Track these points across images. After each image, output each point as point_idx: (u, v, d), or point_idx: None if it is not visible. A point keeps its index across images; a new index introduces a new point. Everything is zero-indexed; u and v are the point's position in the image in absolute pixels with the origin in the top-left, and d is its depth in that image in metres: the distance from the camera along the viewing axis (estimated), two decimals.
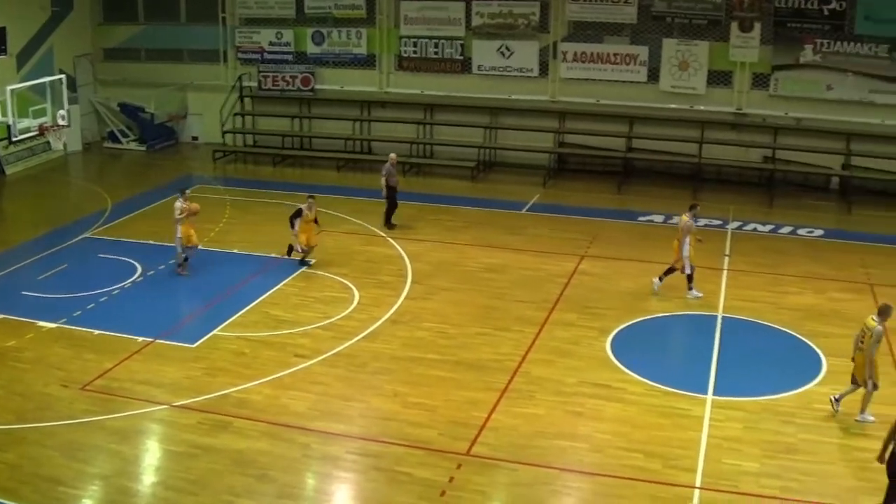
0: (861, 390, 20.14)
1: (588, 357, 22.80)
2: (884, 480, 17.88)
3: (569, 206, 35.01)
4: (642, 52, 38.67)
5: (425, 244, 30.20)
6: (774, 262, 29.25)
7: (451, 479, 17.48)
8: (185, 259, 27.57)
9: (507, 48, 39.76)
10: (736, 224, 33.16)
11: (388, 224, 31.43)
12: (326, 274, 27.54)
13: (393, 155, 32.06)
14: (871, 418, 20.18)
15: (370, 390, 20.90)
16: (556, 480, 17.71)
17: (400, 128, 41.26)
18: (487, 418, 19.73)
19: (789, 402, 20.88)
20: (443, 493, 17.05)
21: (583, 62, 39.21)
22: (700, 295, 26.52)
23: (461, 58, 40.52)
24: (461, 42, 40.30)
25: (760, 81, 38.14)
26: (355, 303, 25.62)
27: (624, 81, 39.06)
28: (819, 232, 32.86)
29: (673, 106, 38.85)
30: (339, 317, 24.67)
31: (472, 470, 17.88)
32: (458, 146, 40.24)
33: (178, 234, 27.22)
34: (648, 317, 25.26)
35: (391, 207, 31.77)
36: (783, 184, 38.26)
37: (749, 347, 23.84)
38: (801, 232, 32.74)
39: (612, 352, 23.04)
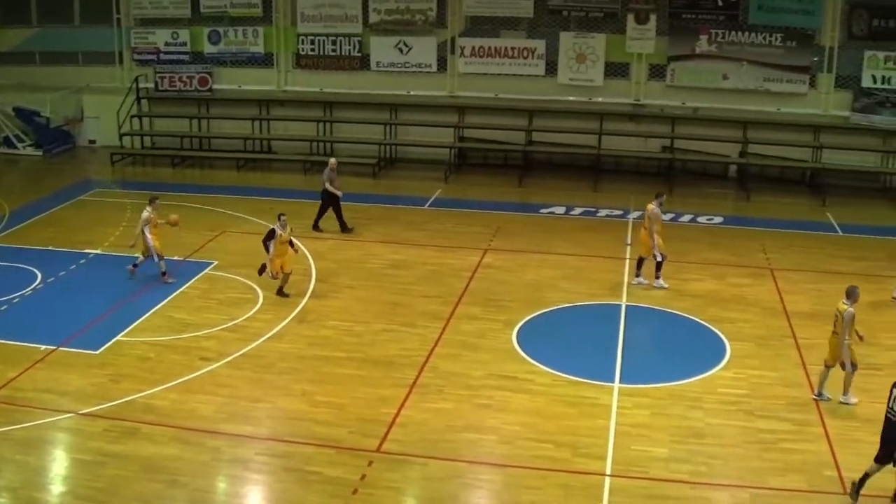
0: (834, 371, 20.68)
1: (494, 350, 22.87)
2: (787, 460, 18.38)
3: (471, 201, 35.13)
4: (540, 45, 38.90)
5: (328, 242, 30.06)
6: (675, 249, 29.53)
7: (363, 477, 17.43)
8: (164, 273, 27.10)
9: (405, 44, 39.74)
10: (637, 213, 33.45)
11: (316, 226, 31.02)
12: (229, 275, 27.26)
13: (333, 160, 31.55)
14: (854, 400, 20.64)
15: (278, 391, 20.75)
16: (468, 473, 17.75)
17: (299, 126, 41.05)
18: (396, 414, 19.70)
19: (695, 387, 21.17)
20: (355, 492, 17.00)
21: (481, 57, 39.35)
22: (666, 286, 26.78)
23: (359, 55, 40.39)
24: (359, 39, 40.18)
25: (657, 72, 38.63)
26: (260, 303, 25.42)
27: (522, 75, 39.25)
28: (718, 219, 33.37)
29: (571, 98, 39.17)
30: (243, 318, 24.45)
31: (384, 467, 17.85)
32: (358, 143, 40.11)
33: (150, 243, 26.56)
34: (553, 308, 25.39)
35: (332, 211, 31.09)
36: (682, 173, 38.79)
37: (653, 335, 24.17)
38: (701, 219, 33.22)
39: (518, 344, 23.14)
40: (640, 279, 27.09)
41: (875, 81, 37.56)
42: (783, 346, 23.47)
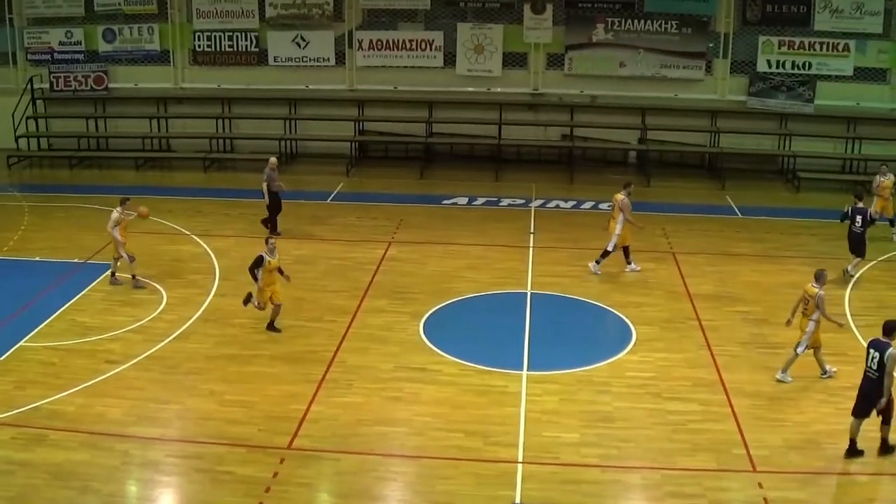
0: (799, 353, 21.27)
1: (402, 342, 22.87)
2: (696, 440, 18.66)
3: (373, 194, 35.07)
4: (437, 37, 38.95)
5: (231, 240, 29.79)
6: (578, 236, 29.87)
7: (276, 475, 17.33)
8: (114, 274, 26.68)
9: (303, 38, 39.51)
10: (539, 202, 33.75)
11: (274, 231, 30.24)
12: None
13: (273, 159, 30.84)
14: (790, 378, 21.24)
15: (186, 391, 20.51)
16: (380, 466, 17.74)
17: (198, 123, 40.58)
18: (307, 410, 19.60)
19: (602, 372, 21.40)
20: (268, 490, 16.89)
21: (379, 50, 39.28)
22: (599, 272, 27.18)
23: (256, 50, 40.05)
24: (256, 34, 39.83)
25: (555, 61, 38.90)
26: (164, 304, 25.11)
27: (421, 67, 39.26)
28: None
29: (470, 89, 39.29)
30: (148, 319, 24.13)
31: (296, 463, 17.76)
32: (258, 139, 39.79)
33: (121, 244, 26.01)
34: (458, 298, 25.45)
35: (272, 213, 30.40)
36: (582, 160, 39.14)
37: (560, 321, 24.32)
38: (603, 206, 33.43)
39: (426, 335, 23.15)
40: (633, 266, 27.47)
41: (770, 66, 38.29)
42: (687, 329, 23.81)
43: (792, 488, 17.38)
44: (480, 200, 34.15)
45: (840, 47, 38.12)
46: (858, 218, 27.06)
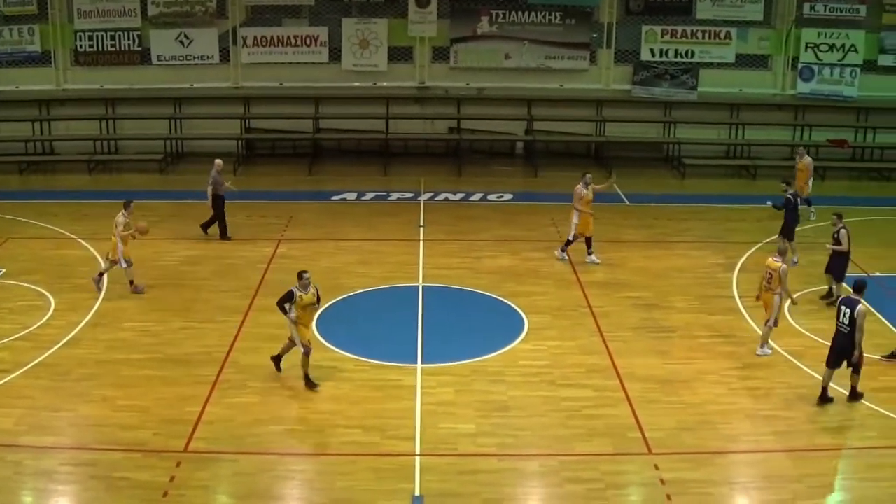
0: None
1: None
2: (591, 426, 18.89)
3: (262, 191, 34.72)
4: (322, 32, 38.74)
5: None
6: (468, 228, 29.98)
7: (172, 479, 17.10)
8: (102, 275, 25.99)
9: (186, 36, 38.97)
10: (428, 195, 33.81)
11: (226, 236, 29.73)
12: (18, 283, 26.29)
13: (218, 161, 30.27)
14: (769, 351, 22.36)
15: (78, 398, 20.12)
16: (279, 466, 17.62)
17: (82, 125, 39.80)
18: (201, 412, 19.38)
19: (496, 361, 21.53)
20: (165, 494, 16.66)
21: (264, 46, 38.91)
22: (566, 258, 27.60)
23: (139, 49, 39.38)
24: (138, 33, 39.16)
25: (440, 55, 38.96)
26: (52, 310, 24.58)
27: (306, 63, 38.98)
28: (508, 196, 33.91)
29: (357, 84, 39.17)
30: (36, 326, 23.61)
31: (193, 466, 17.55)
32: (143, 140, 39.20)
33: (121, 249, 25.37)
34: (350, 293, 25.37)
35: (216, 218, 29.75)
36: (470, 152, 39.28)
37: (452, 313, 24.38)
38: (492, 197, 33.70)
39: (319, 332, 22.96)
40: (592, 258, 27.57)
41: (653, 55, 38.84)
42: (579, 316, 24.06)
43: (687, 469, 17.70)
44: (369, 195, 34.09)
45: (722, 35, 38.83)
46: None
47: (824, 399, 20.00)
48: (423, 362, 21.44)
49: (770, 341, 22.26)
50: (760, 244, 28.86)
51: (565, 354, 22.07)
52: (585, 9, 38.40)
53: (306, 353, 20.18)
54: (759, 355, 22.17)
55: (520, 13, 38.02)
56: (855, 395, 20.15)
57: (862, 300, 19.72)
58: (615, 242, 29.23)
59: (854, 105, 39.79)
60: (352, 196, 33.97)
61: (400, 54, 39.06)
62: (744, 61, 39.58)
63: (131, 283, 25.70)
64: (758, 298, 22.62)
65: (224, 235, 29.47)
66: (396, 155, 38.98)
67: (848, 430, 19.45)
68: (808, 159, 31.49)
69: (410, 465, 17.57)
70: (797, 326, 23.97)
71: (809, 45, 39.30)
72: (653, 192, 34.97)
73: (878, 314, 24.55)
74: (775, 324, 22.06)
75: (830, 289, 25.35)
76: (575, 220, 27.19)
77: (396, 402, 19.74)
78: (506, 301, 24.95)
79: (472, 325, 23.71)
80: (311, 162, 38.12)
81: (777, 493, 17.22)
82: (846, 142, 39.46)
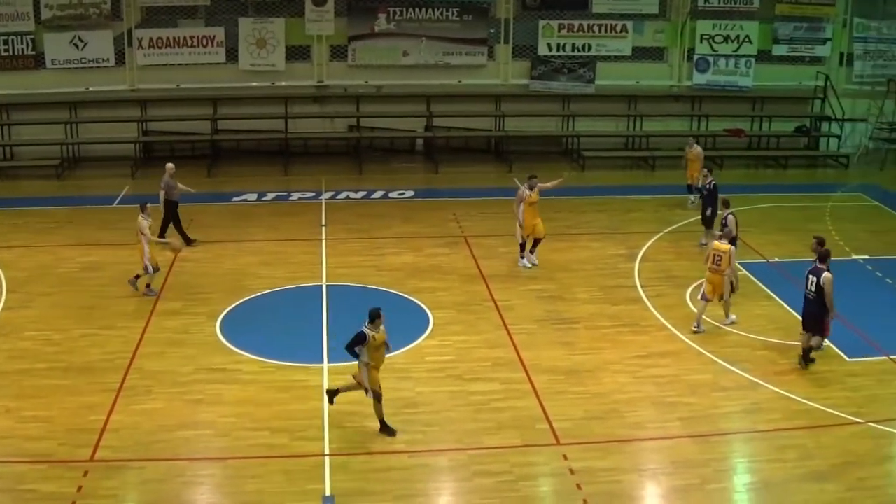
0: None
1: (200, 344, 22.46)
2: (499, 419, 18.99)
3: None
4: (219, 32, 38.35)
5: (16, 250, 28.72)
6: (371, 226, 29.91)
7: (80, 489, 16.79)
8: (138, 277, 25.47)
9: (81, 39, 38.28)
10: (329, 194, 33.69)
11: (188, 240, 29.04)
12: None
13: (170, 165, 29.64)
14: (734, 317, 23.63)
15: None
16: (187, 471, 17.40)
17: None
18: (106, 420, 19.05)
19: (403, 358, 21.47)
20: None
21: (160, 48, 38.39)
22: (529, 265, 27.17)
23: (33, 53, 38.64)
24: (31, 37, 38.37)
25: (339, 53, 38.81)
26: None
27: (203, 64, 38.58)
28: (410, 193, 33.92)
29: (254, 84, 38.88)
30: None
31: (100, 475, 17.24)
32: (38, 145, 38.49)
33: (147, 254, 25.00)
34: (254, 295, 25.16)
35: (168, 222, 29.05)
36: (370, 150, 39.20)
37: (357, 312, 24.11)
38: (393, 195, 33.69)
39: (223, 335, 22.81)
40: (524, 261, 27.32)
41: (551, 49, 39.17)
42: (483, 310, 24.15)
43: (596, 458, 17.88)
44: (270, 195, 33.85)
45: (618, 29, 39.30)
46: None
47: (807, 360, 21.51)
48: (329, 362, 21.32)
49: (671, 326, 22.62)
50: (660, 234, 29.26)
51: (471, 349, 22.15)
52: (482, 5, 38.57)
53: (377, 399, 18.36)
54: (726, 325, 23.40)
55: (417, 10, 38.02)
56: (807, 360, 21.53)
57: (828, 269, 20.88)
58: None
59: (749, 95, 40.69)
60: (252, 197, 33.70)
61: (298, 53, 38.85)
62: (640, 54, 40.14)
63: (148, 286, 25.43)
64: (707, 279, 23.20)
65: (160, 235, 28.44)
66: (296, 154, 38.76)
67: (753, 413, 19.79)
68: (697, 149, 32.05)
69: (320, 465, 17.48)
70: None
71: (704, 37, 39.99)
72: None
73: (777, 298, 25.06)
74: (733, 291, 23.35)
75: None
76: (520, 220, 26.79)
77: (304, 403, 19.62)
78: (410, 298, 24.95)
79: None
80: (211, 164, 37.72)
81: (685, 478, 17.46)
82: (742, 131, 40.17)
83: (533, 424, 18.95)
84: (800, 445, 18.43)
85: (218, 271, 26.91)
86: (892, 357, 22.29)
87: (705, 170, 29.35)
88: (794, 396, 20.25)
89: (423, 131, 39.39)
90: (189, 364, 21.29)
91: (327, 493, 16.69)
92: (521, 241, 27.11)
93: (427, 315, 23.90)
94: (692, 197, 31.88)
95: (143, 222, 25.02)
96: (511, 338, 22.69)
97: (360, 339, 18.22)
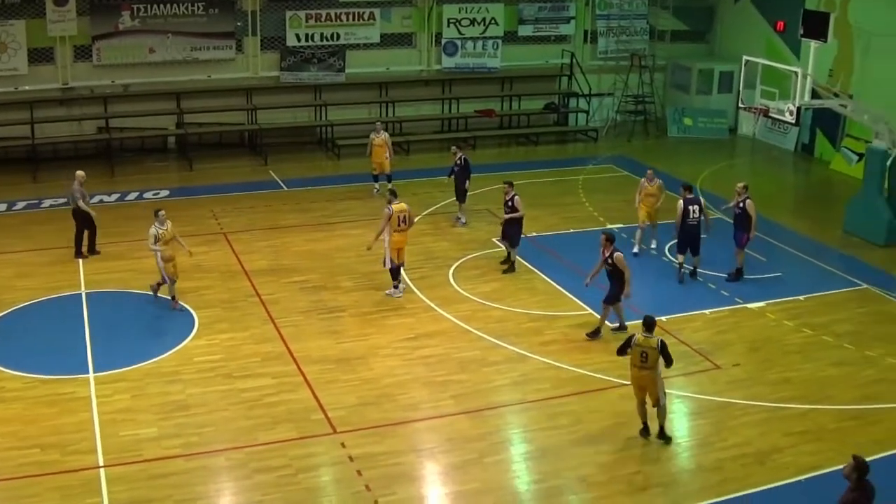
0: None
1: None
2: (274, 413, 19.08)
3: None
4: None
5: None
6: (128, 229, 29.19)
7: None
8: (159, 286, 24.15)
9: None
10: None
11: (80, 253, 27.37)
12: None
13: (80, 172, 27.76)
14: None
15: None
16: None
17: None
18: None
19: (171, 361, 21.30)
20: None
21: None
22: (399, 293, 25.16)
23: None
24: None
25: (83, 53, 37.73)
26: None
27: None
28: (165, 192, 33.37)
29: None
30: None
31: None
32: None
33: (160, 263, 23.42)
34: (12, 309, 24.21)
35: (83, 232, 27.46)
36: (121, 151, 38.32)
37: (120, 318, 23.80)
38: (148, 195, 33.08)
39: None
40: (391, 290, 25.29)
41: (299, 40, 39.14)
42: (249, 306, 24.11)
43: (373, 443, 18.22)
44: (21, 204, 32.64)
45: (366, 16, 39.70)
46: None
47: (693, 274, 26.21)
48: (95, 371, 20.87)
49: (436, 306, 23.03)
50: (419, 216, 29.60)
51: (239, 346, 22.10)
52: None
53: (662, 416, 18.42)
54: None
55: (162, 6, 37.33)
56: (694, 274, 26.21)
57: (701, 199, 26.02)
58: (277, 229, 29.45)
59: (498, 75, 41.77)
60: (2, 207, 32.46)
61: (41, 56, 37.58)
62: (389, 40, 40.63)
63: (157, 295, 24.46)
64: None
65: (79, 254, 27.48)
66: (45, 160, 37.47)
67: (523, 384, 20.48)
68: (385, 135, 32.48)
69: (96, 477, 17.16)
70: (463, 292, 24.93)
71: (451, 21, 40.79)
72: (309, 175, 35.40)
73: (537, 272, 25.84)
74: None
75: (508, 254, 26.43)
76: (385, 242, 24.78)
77: (73, 416, 19.16)
78: (167, 298, 24.57)
79: (141, 327, 23.26)
80: None
81: (462, 454, 17.98)
82: (493, 111, 41.12)
83: (308, 416, 19.09)
84: (571, 412, 19.18)
85: None
86: None
87: (454, 147, 30.17)
88: (562, 365, 21.03)
89: (175, 129, 38.78)
90: None
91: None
92: (389, 267, 25.02)
93: (192, 315, 23.65)
94: (377, 185, 32.41)
95: (152, 231, 23.65)
96: (279, 331, 22.74)
97: (628, 342, 18.27)
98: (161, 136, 39.07)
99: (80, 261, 26.76)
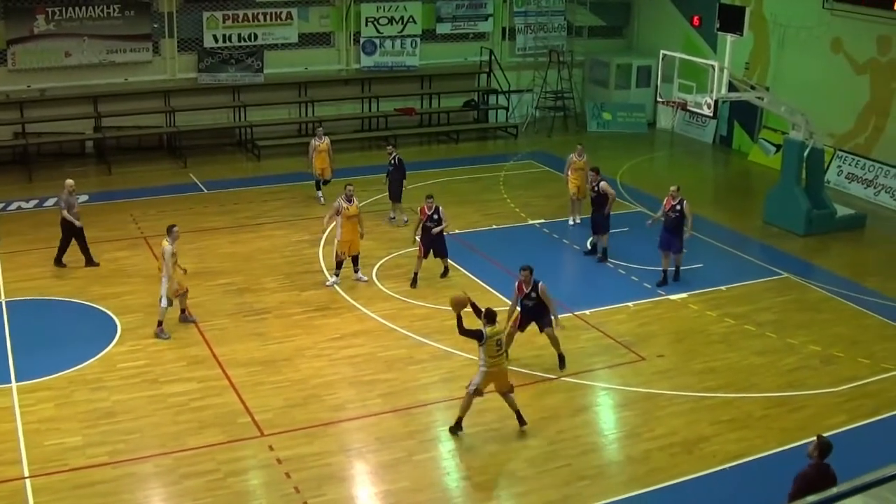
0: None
1: None
2: (201, 418, 18.93)
3: None
4: None
5: None
6: (48, 235, 28.73)
7: None
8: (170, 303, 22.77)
9: None
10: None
11: (59, 261, 26.76)
12: None
13: (70, 181, 27.00)
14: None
15: None
16: None
17: None
18: None
19: (94, 368, 21.05)
20: None
21: None
22: (336, 281, 25.56)
23: None
24: None
25: None
26: None
27: None
28: (84, 197, 32.75)
29: None
30: None
31: None
32: None
33: (165, 286, 22.21)
34: None
35: (68, 241, 26.73)
36: (39, 156, 37.81)
37: (41, 325, 23.50)
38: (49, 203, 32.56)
39: None
40: (359, 275, 25.80)
41: (217, 41, 38.85)
42: (172, 310, 23.82)
43: (302, 444, 18.20)
44: None
45: (283, 16, 39.51)
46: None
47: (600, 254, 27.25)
48: (17, 381, 20.58)
49: (361, 306, 23.10)
50: None
51: (164, 350, 21.90)
52: (144, 0, 37.86)
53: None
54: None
55: (77, 9, 36.82)
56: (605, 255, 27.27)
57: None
58: (199, 231, 29.20)
59: (417, 74, 41.81)
60: None
61: None
62: (307, 40, 40.50)
63: (159, 324, 22.86)
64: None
65: (86, 263, 26.99)
66: None
67: (450, 381, 20.56)
68: (327, 140, 32.26)
69: (20, 489, 16.89)
70: (386, 291, 24.95)
71: (370, 20, 40.80)
72: (230, 177, 35.15)
73: (461, 268, 25.94)
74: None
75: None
76: (337, 235, 25.20)
77: None
78: (94, 305, 24.33)
79: (63, 334, 22.91)
80: None
81: (392, 452, 18.04)
82: (413, 109, 41.18)
83: (235, 419, 19.00)
84: (499, 407, 19.18)
85: None
86: (576, 313, 23.54)
87: (389, 146, 30.72)
88: None
89: (93, 133, 38.34)
90: None
91: None
92: (337, 259, 25.46)
93: (114, 321, 23.41)
94: (320, 193, 32.20)
95: (167, 247, 22.60)
96: (203, 335, 22.59)
97: None
98: (79, 140, 38.59)
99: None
